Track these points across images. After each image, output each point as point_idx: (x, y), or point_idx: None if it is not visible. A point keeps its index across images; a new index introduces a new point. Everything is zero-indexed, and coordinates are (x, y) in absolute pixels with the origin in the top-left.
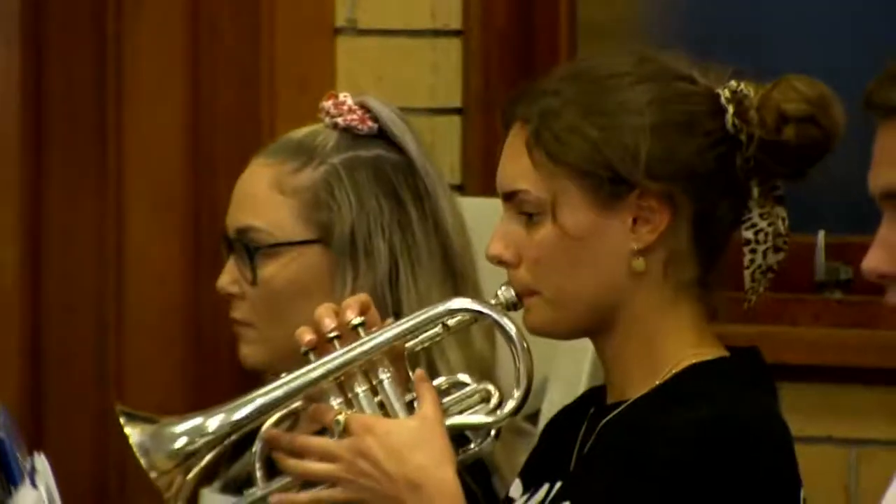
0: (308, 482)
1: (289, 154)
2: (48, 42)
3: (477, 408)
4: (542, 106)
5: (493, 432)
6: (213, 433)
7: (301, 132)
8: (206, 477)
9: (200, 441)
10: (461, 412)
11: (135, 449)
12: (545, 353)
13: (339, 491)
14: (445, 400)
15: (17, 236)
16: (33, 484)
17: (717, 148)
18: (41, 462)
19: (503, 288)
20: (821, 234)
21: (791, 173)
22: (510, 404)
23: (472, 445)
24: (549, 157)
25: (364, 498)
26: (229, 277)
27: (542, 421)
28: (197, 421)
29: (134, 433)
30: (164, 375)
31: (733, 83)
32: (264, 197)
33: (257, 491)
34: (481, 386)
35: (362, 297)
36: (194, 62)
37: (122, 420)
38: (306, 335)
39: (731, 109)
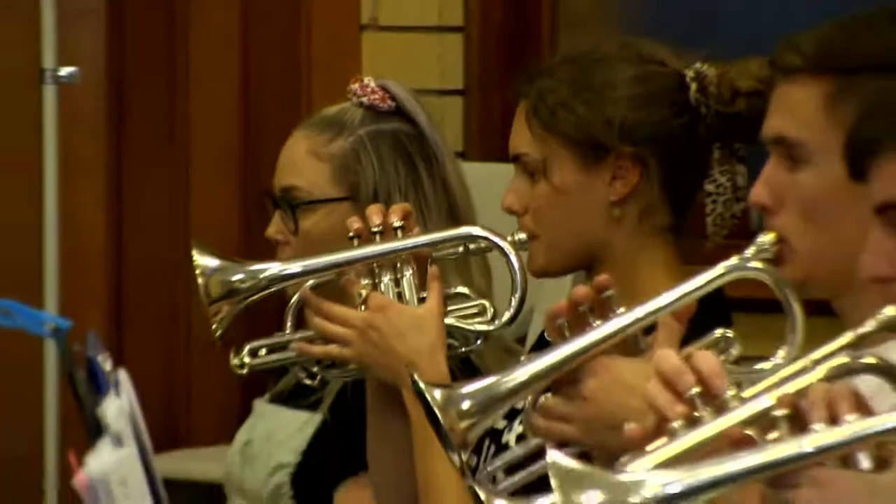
0: (325, 339)
1: (323, 127)
2: (127, 36)
3: (474, 318)
4: (539, 85)
5: (479, 339)
6: (262, 279)
7: (333, 109)
8: (257, 389)
9: (249, 283)
10: (463, 317)
11: (197, 270)
12: (532, 288)
13: (347, 351)
14: (450, 307)
15: (103, 199)
16: (117, 394)
17: (681, 118)
18: (123, 377)
19: (516, 231)
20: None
21: (745, 138)
22: (506, 315)
23: (463, 348)
24: (544, 127)
25: (365, 362)
26: (276, 228)
27: (528, 343)
28: (258, 266)
29: (204, 261)
30: None
31: (698, 65)
32: (304, 162)
33: (284, 336)
34: (480, 301)
35: (405, 205)
36: (246, 53)
37: (194, 251)
38: (355, 224)
39: (693, 86)
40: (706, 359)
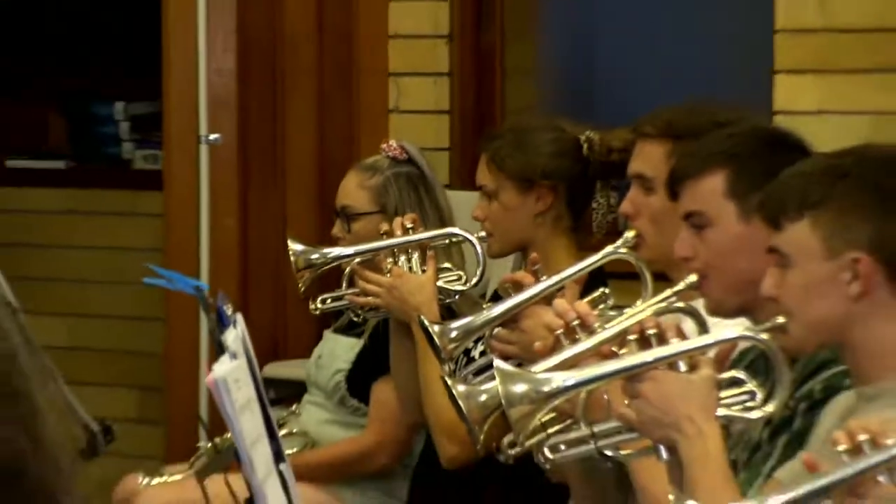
0: (366, 294)
1: (365, 170)
2: (250, 115)
3: (454, 283)
4: (494, 145)
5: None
6: (329, 258)
7: (371, 159)
8: (326, 324)
9: (321, 260)
10: (447, 282)
11: (291, 253)
12: (488, 264)
13: (379, 301)
14: (440, 276)
15: (235, 213)
16: (235, 327)
17: (578, 164)
18: (239, 317)
19: (479, 231)
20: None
21: (617, 175)
22: (473, 280)
23: (447, 300)
24: (497, 169)
25: (389, 308)
26: (337, 229)
27: (486, 298)
28: (327, 250)
29: (295, 247)
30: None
31: (588, 132)
32: (354, 190)
33: (341, 291)
34: (458, 272)
35: (414, 215)
36: (321, 124)
37: (289, 241)
38: (384, 226)
39: (585, 146)
40: (583, 305)
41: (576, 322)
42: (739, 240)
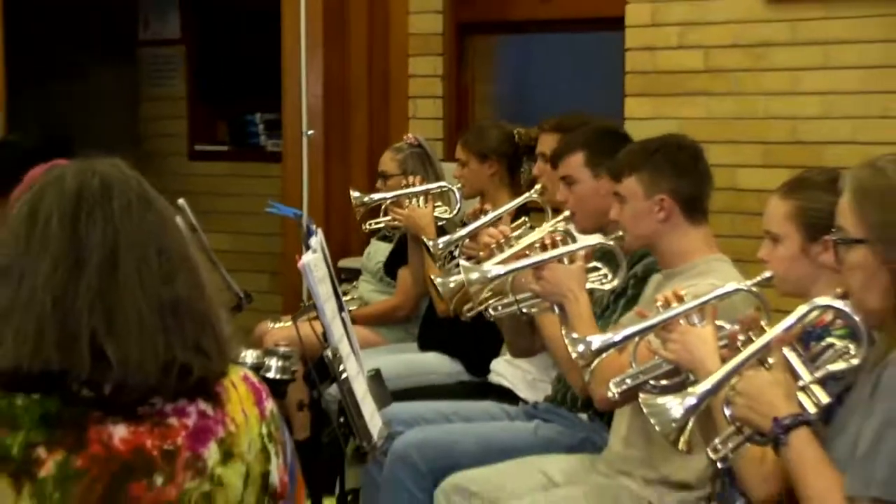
0: (395, 219)
1: (395, 150)
2: (332, 119)
3: (444, 213)
4: (465, 135)
5: (445, 221)
6: (374, 200)
7: (398, 144)
8: (372, 236)
9: (370, 201)
10: (440, 213)
11: (352, 198)
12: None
13: (401, 223)
14: (436, 209)
15: (322, 179)
16: (316, 235)
17: (513, 147)
18: (319, 231)
19: (457, 183)
20: None
21: (531, 155)
22: (454, 212)
23: (439, 223)
24: (468, 150)
25: (408, 227)
26: (378, 184)
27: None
28: (373, 195)
29: (354, 194)
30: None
31: (518, 129)
32: (388, 161)
33: (381, 218)
34: (446, 207)
35: (420, 177)
36: (371, 127)
37: (351, 191)
38: (404, 182)
39: (516, 136)
40: (507, 228)
41: (502, 240)
42: (593, 190)
